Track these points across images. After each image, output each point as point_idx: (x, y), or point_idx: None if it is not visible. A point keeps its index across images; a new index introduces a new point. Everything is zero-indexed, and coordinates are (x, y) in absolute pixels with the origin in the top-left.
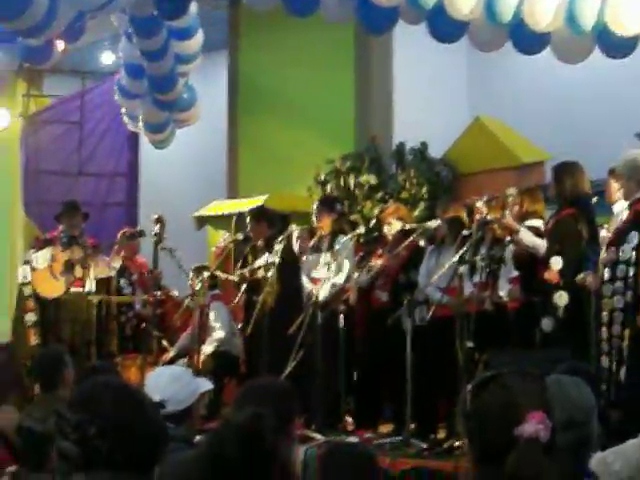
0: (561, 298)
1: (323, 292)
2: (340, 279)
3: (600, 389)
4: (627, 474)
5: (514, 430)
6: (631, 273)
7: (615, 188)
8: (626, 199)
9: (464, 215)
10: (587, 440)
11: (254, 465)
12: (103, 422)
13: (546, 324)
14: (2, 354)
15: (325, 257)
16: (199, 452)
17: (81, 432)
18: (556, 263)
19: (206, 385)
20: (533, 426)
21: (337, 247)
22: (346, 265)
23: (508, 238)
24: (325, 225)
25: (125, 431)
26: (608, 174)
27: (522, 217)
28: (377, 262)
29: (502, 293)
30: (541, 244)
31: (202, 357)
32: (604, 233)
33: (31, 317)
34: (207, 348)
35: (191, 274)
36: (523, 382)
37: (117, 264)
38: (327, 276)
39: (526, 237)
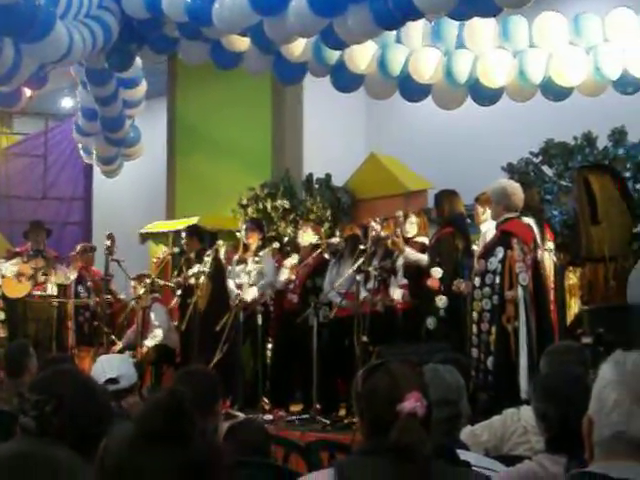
0: (441, 301)
1: (251, 294)
2: (262, 283)
3: (470, 375)
4: (492, 444)
5: (396, 407)
6: (497, 281)
7: (480, 212)
8: (494, 219)
9: (359, 233)
10: (458, 416)
11: (177, 433)
12: (58, 402)
13: (430, 323)
14: None
15: (249, 266)
16: (130, 425)
17: (39, 409)
18: (437, 273)
19: None
20: (412, 404)
21: (258, 259)
22: (268, 272)
23: (397, 252)
24: (253, 241)
25: (76, 410)
26: (474, 200)
27: (417, 234)
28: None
29: (395, 297)
30: (423, 258)
31: (144, 349)
32: (475, 248)
33: (0, 315)
34: (149, 342)
35: (132, 282)
36: (403, 368)
37: (73, 275)
38: (249, 282)
39: (410, 255)
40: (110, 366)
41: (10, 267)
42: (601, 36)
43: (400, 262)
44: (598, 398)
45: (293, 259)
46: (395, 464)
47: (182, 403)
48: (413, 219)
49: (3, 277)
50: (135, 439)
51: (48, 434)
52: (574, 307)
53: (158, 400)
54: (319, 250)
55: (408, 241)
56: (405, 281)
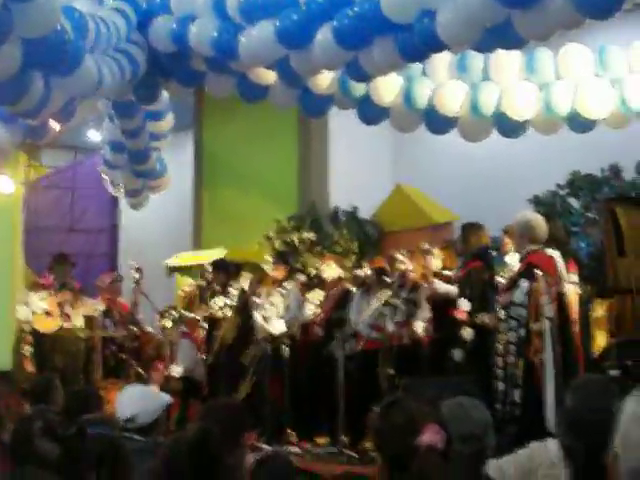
0: (467, 333)
1: (278, 327)
2: (288, 316)
3: (495, 408)
4: (519, 477)
5: (415, 441)
6: (523, 313)
7: (508, 243)
8: (517, 252)
9: (387, 266)
10: (484, 450)
11: (201, 471)
12: (81, 425)
13: (457, 355)
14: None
15: (275, 299)
16: (156, 462)
17: (64, 429)
18: (464, 304)
19: (168, 398)
20: (430, 436)
21: (284, 292)
22: (292, 307)
23: (425, 285)
24: (280, 273)
25: (91, 439)
26: (503, 232)
27: (443, 268)
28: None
29: (418, 330)
30: (452, 289)
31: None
32: (501, 280)
33: (28, 349)
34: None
35: (158, 316)
36: (418, 403)
37: (101, 307)
38: (276, 315)
39: (440, 287)
40: (126, 405)
41: (39, 303)
42: (626, 68)
43: (422, 295)
44: (623, 433)
45: (318, 294)
46: None
47: (208, 441)
48: (438, 252)
49: (33, 313)
50: (158, 470)
51: (68, 460)
52: (601, 339)
53: (184, 438)
54: (344, 283)
55: (435, 274)
56: (429, 314)
